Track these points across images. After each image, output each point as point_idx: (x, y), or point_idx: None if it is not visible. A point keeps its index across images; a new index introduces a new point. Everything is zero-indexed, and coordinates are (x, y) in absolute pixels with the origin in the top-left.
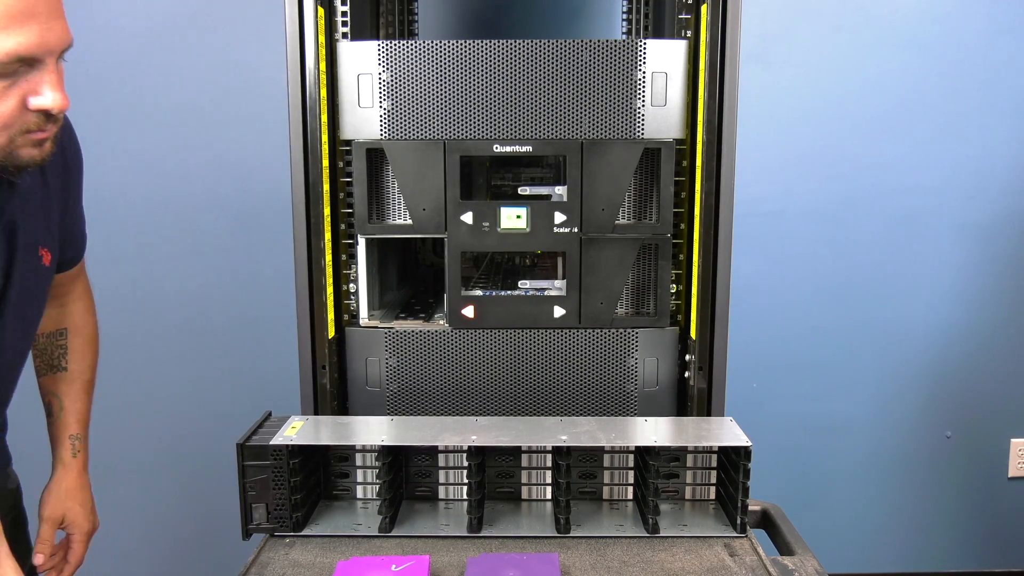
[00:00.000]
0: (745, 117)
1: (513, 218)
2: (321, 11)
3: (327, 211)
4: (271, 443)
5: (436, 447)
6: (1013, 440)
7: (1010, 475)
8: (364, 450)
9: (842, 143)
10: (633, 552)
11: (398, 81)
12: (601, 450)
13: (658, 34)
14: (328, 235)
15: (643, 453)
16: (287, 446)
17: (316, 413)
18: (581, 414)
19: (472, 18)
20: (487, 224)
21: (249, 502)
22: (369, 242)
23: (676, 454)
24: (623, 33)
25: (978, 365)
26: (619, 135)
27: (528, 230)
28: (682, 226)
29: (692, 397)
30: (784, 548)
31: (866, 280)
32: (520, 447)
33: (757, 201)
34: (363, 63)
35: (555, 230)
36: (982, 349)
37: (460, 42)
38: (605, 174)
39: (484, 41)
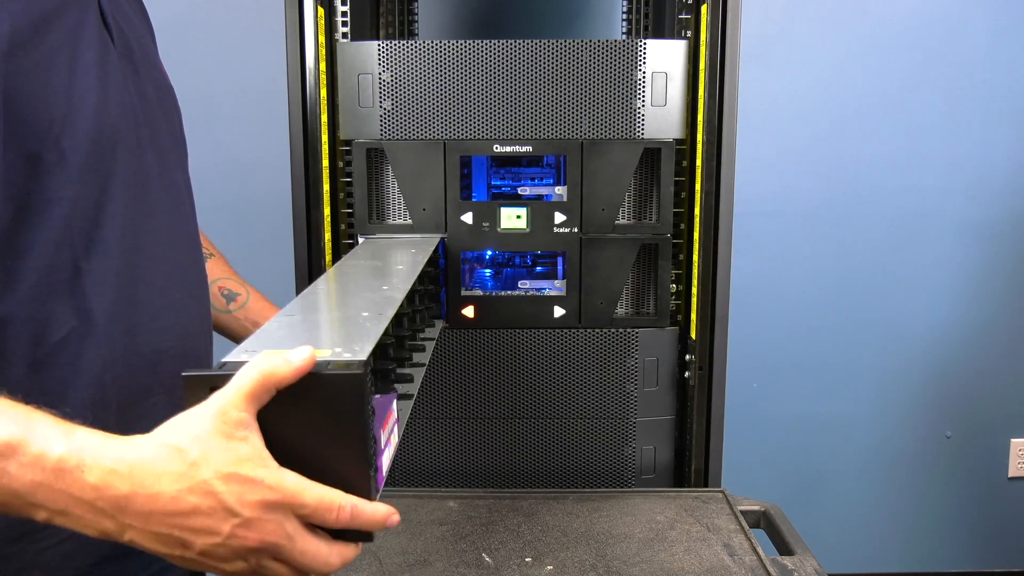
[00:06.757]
0: (745, 117)
1: (513, 218)
2: (321, 11)
3: (327, 211)
4: None
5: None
6: (1013, 440)
7: (1010, 475)
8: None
9: (842, 143)
10: (633, 552)
11: (398, 81)
12: None
13: (658, 34)
14: (328, 235)
15: None
16: None
17: None
18: (581, 414)
19: (472, 18)
20: (487, 224)
21: None
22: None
23: None
24: (623, 33)
25: (978, 365)
26: (619, 135)
27: (528, 230)
28: (682, 226)
29: (692, 397)
30: (783, 548)
31: (866, 280)
32: None
33: (757, 201)
34: (363, 63)
35: (555, 230)
36: (982, 349)
37: (460, 42)
38: (605, 174)
39: (484, 41)
